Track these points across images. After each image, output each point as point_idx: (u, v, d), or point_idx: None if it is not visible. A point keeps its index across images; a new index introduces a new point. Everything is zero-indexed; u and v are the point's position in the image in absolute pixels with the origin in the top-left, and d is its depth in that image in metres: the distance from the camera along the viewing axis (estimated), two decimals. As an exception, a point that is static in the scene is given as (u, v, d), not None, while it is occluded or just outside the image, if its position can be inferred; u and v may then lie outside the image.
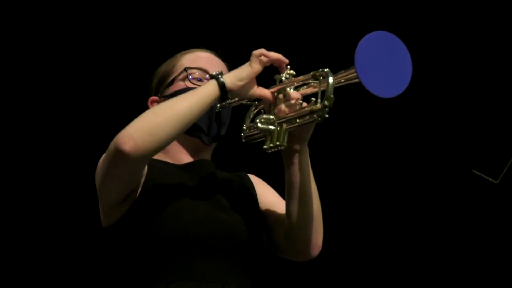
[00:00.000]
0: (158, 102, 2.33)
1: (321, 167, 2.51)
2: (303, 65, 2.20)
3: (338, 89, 2.06)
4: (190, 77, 2.31)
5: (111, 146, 2.03)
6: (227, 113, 2.30)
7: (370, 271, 4.28)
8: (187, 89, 2.26)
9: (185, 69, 2.31)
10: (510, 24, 4.09)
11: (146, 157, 2.05)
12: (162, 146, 2.06)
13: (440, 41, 4.14)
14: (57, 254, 3.96)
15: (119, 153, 2.00)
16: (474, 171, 3.17)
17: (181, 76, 2.32)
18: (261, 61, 2.12)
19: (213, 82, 2.10)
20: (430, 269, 4.23)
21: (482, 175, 3.16)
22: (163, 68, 2.37)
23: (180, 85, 2.31)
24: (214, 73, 2.13)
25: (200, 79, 2.31)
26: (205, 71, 2.32)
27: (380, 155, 4.26)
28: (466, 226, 4.21)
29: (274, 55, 2.13)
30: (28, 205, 3.96)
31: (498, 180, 3.14)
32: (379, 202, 4.27)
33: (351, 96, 2.31)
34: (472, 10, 4.10)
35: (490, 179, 3.16)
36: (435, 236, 4.24)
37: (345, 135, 4.23)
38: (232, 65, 2.35)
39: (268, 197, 2.31)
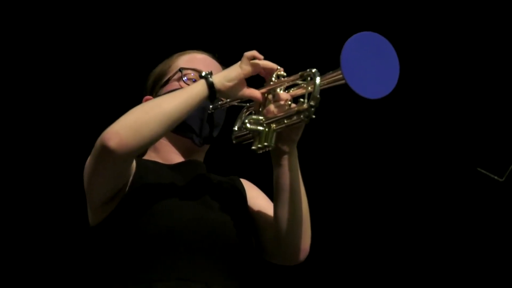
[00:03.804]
0: (152, 101, 2.33)
1: (314, 170, 2.48)
2: (296, 67, 2.18)
3: (344, 88, 2.02)
4: (185, 77, 2.31)
5: (97, 142, 2.03)
6: (220, 115, 2.29)
7: (370, 273, 4.24)
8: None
9: (180, 70, 2.31)
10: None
11: (132, 154, 2.04)
12: (148, 144, 2.06)
13: (445, 38, 4.11)
14: (44, 253, 3.97)
15: (105, 149, 2.00)
16: (479, 169, 3.12)
17: (175, 77, 2.32)
18: (252, 64, 2.10)
19: (202, 82, 2.09)
20: (435, 268, 4.19)
21: (488, 173, 3.11)
22: (159, 68, 2.38)
23: (174, 85, 2.31)
24: (204, 73, 2.11)
25: (195, 80, 2.29)
26: (199, 72, 2.30)
27: (385, 154, 4.23)
28: (471, 225, 4.17)
29: (266, 63, 2.11)
30: (16, 205, 3.97)
31: (503, 178, 3.09)
32: (383, 201, 4.24)
33: (350, 95, 2.29)
34: (478, 6, 4.06)
35: (495, 177, 3.11)
36: (440, 234, 4.20)
37: (346, 135, 4.21)
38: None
39: (258, 201, 2.29)
